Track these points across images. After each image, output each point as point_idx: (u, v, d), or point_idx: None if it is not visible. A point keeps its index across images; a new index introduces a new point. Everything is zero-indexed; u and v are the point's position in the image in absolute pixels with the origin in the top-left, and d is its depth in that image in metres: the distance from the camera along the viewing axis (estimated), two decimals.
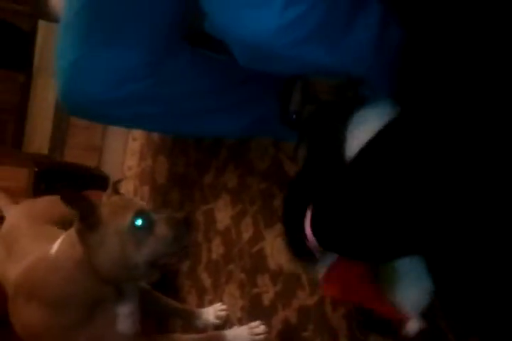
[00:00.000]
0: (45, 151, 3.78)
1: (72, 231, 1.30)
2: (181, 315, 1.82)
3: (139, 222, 1.22)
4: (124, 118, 1.44)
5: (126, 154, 3.00)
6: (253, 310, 1.66)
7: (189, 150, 2.22)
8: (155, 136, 2.54)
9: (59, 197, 1.17)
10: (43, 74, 4.49)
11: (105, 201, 1.29)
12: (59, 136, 3.63)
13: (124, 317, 1.38)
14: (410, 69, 1.02)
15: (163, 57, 1.32)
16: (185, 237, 1.29)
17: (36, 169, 3.26)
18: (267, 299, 1.61)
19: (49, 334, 1.34)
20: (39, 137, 4.05)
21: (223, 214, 1.91)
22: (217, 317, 1.75)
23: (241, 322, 1.70)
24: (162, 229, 1.25)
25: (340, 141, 1.41)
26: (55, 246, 1.33)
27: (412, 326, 1.01)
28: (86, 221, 1.22)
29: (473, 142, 0.84)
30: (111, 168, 3.20)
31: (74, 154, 3.50)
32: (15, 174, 3.41)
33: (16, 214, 1.74)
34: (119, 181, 1.45)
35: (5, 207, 1.86)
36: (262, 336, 1.52)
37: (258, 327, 1.55)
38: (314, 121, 1.39)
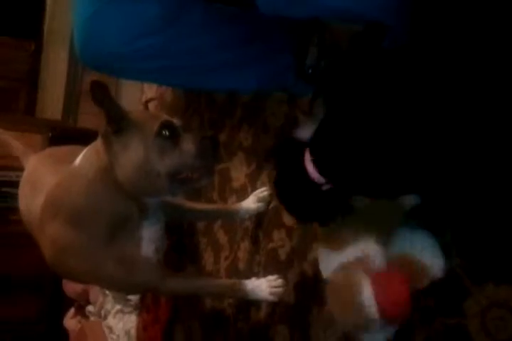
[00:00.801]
0: (59, 117, 3.78)
1: (96, 142, 1.29)
2: (220, 215, 1.85)
3: (166, 132, 1.23)
4: (141, 72, 1.44)
5: None
6: (269, 265, 1.69)
7: (203, 110, 2.22)
8: (168, 96, 2.55)
9: (89, 91, 1.16)
10: (53, 41, 4.47)
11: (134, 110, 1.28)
12: (72, 101, 3.63)
13: (148, 241, 1.39)
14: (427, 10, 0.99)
15: (177, 11, 1.31)
16: (211, 155, 1.28)
17: (50, 134, 3.28)
18: (283, 253, 1.63)
19: (74, 253, 1.35)
20: (52, 104, 4.05)
21: (238, 173, 1.92)
22: (260, 200, 1.74)
23: (258, 276, 1.73)
24: (188, 143, 1.25)
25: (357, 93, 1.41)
26: (79, 157, 1.32)
27: None
28: (113, 124, 1.21)
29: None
30: None
31: (87, 119, 3.51)
32: (29, 140, 3.42)
33: (37, 158, 1.77)
34: (150, 99, 1.45)
35: (24, 155, 1.88)
36: (280, 289, 1.54)
37: (276, 280, 1.56)
38: (331, 73, 1.39)
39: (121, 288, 1.63)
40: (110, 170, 1.25)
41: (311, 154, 1.04)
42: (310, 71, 1.32)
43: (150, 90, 2.89)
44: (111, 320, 2.58)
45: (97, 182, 1.28)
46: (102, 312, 2.65)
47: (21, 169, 1.85)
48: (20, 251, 3.21)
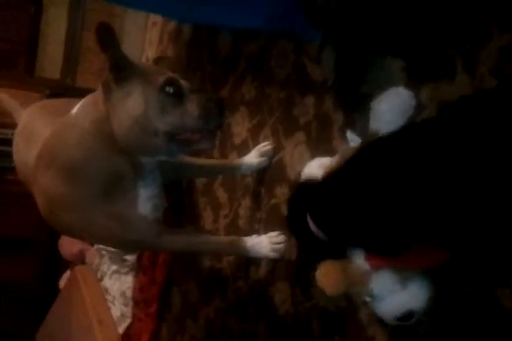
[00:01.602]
0: (57, 77, 3.70)
1: (96, 92, 1.22)
2: (221, 171, 1.77)
3: (170, 89, 1.16)
4: None
5: None
6: (271, 222, 1.63)
7: (205, 64, 2.13)
8: (170, 51, 2.46)
9: (95, 31, 1.08)
10: (53, 3, 4.38)
11: (140, 62, 1.20)
12: (71, 61, 3.55)
13: (145, 199, 1.33)
14: None
15: None
16: (214, 118, 1.21)
17: (48, 92, 3.21)
18: (285, 209, 1.56)
19: (65, 206, 1.29)
20: (51, 63, 3.96)
21: (240, 128, 1.85)
22: (263, 154, 1.66)
23: (259, 234, 1.66)
24: (192, 104, 1.18)
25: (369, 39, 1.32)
26: (77, 107, 1.25)
27: None
28: (116, 71, 1.13)
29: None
30: None
31: (86, 79, 3.43)
32: (27, 98, 3.35)
33: (30, 111, 1.70)
34: (161, 58, 1.38)
35: (16, 111, 1.82)
36: (281, 245, 1.49)
37: (277, 236, 1.51)
38: (342, 13, 1.30)
39: (115, 244, 1.57)
40: (106, 122, 1.18)
41: (309, 213, 1.04)
42: (319, 8, 1.23)
43: (151, 48, 2.80)
44: (107, 281, 2.53)
45: (91, 134, 1.21)
46: (99, 274, 2.61)
47: (16, 126, 1.78)
48: (17, 211, 3.17)
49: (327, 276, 1.06)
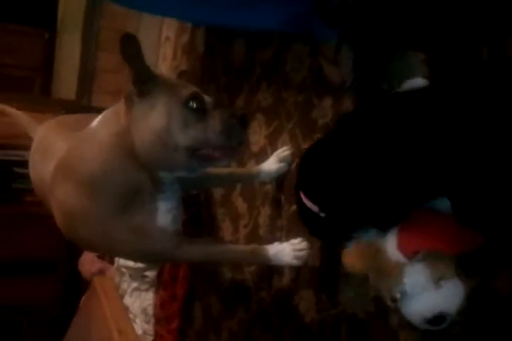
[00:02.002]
0: (73, 97, 3.72)
1: (118, 104, 1.20)
2: (240, 179, 1.74)
3: (193, 104, 1.14)
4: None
5: None
6: (292, 229, 1.59)
7: (219, 74, 2.12)
8: (183, 66, 2.45)
9: (119, 42, 1.08)
10: (67, 27, 4.44)
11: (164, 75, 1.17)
12: (86, 81, 3.57)
13: (164, 212, 1.30)
14: None
15: None
16: (237, 135, 1.18)
17: (64, 113, 3.21)
18: None
19: (83, 219, 1.27)
20: (66, 86, 4.00)
21: (257, 136, 1.82)
22: (282, 160, 1.63)
23: (280, 242, 1.62)
24: (215, 120, 1.15)
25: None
26: (97, 119, 1.23)
27: None
28: (138, 84, 1.11)
29: None
30: None
31: (102, 98, 3.44)
32: (42, 119, 3.38)
33: (46, 126, 1.69)
34: (184, 72, 1.37)
35: (30, 127, 1.81)
36: (304, 252, 1.44)
37: (300, 243, 1.46)
38: (358, 12, 1.28)
39: (135, 257, 1.54)
40: (127, 135, 1.15)
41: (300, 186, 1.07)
42: (336, 7, 1.21)
43: (164, 63, 2.81)
44: (127, 299, 2.49)
45: (111, 148, 1.18)
46: (119, 292, 2.57)
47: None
48: (36, 232, 3.17)
49: (356, 258, 1.02)
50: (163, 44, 2.83)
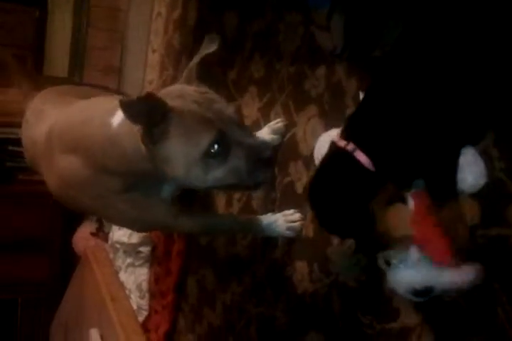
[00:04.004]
0: (65, 75, 3.68)
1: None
2: None
3: (215, 149, 1.04)
4: None
5: (146, 69, 2.90)
6: (286, 201, 1.58)
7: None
8: (175, 41, 2.42)
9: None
10: (58, 5, 4.38)
11: (180, 107, 1.04)
12: (77, 58, 3.54)
13: (167, 188, 1.30)
14: None
15: None
16: (261, 175, 1.10)
17: None
18: (300, 187, 1.52)
19: (83, 190, 1.26)
20: (58, 63, 3.95)
21: (250, 109, 1.80)
22: (275, 132, 1.59)
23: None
24: (237, 160, 1.06)
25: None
26: (118, 119, 1.14)
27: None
28: (152, 130, 1.03)
29: None
30: (131, 86, 3.11)
31: (93, 75, 3.41)
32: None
33: (41, 94, 1.72)
34: (194, 66, 1.20)
35: (26, 98, 1.85)
36: (297, 223, 1.44)
37: (293, 214, 1.47)
38: None
39: (130, 225, 1.53)
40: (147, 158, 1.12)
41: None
42: None
43: (156, 39, 2.78)
44: (122, 275, 2.49)
45: (134, 155, 1.13)
46: (114, 269, 2.57)
47: None
48: (29, 210, 3.15)
49: (395, 216, 1.00)
50: (155, 19, 2.79)
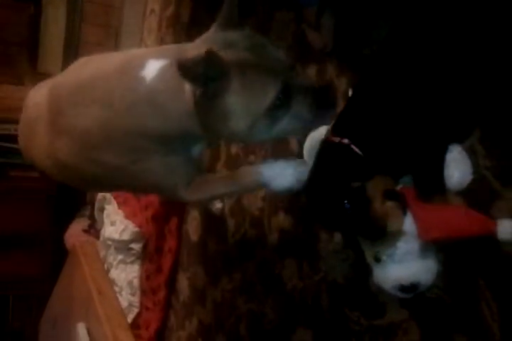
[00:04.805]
0: (58, 71, 3.67)
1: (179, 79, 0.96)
2: None
3: (279, 101, 0.96)
4: None
5: None
6: (275, 198, 1.58)
7: None
8: (168, 37, 2.43)
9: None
10: (52, 3, 4.37)
11: (235, 58, 0.94)
12: (71, 54, 3.53)
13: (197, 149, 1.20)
14: None
15: None
16: (325, 117, 1.03)
17: None
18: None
19: (114, 145, 1.12)
20: (52, 59, 3.95)
21: None
22: None
23: (262, 211, 1.63)
24: (301, 107, 0.99)
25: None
26: (151, 72, 1.02)
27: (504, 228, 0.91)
28: (209, 86, 0.94)
29: None
30: None
31: None
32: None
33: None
34: (228, 8, 1.10)
35: None
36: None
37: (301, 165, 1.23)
38: None
39: (145, 189, 1.43)
40: (192, 117, 1.02)
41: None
42: None
43: (150, 36, 2.78)
44: (113, 272, 2.50)
45: (172, 116, 1.04)
46: (105, 266, 2.57)
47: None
48: (21, 207, 3.15)
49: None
50: (149, 16, 2.79)
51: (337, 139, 0.99)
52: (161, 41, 2.58)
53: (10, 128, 3.07)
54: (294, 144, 1.51)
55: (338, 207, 0.98)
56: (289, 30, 1.57)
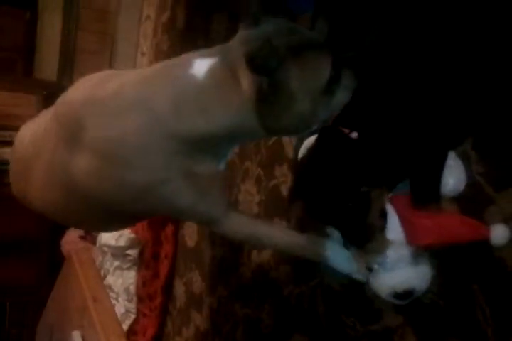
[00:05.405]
0: (55, 78, 3.68)
1: (230, 64, 0.95)
2: None
3: (333, 75, 0.97)
4: None
5: None
6: (271, 203, 1.59)
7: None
8: (164, 43, 2.43)
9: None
10: (48, 7, 4.38)
11: (285, 44, 0.94)
12: (67, 61, 3.54)
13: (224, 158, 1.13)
14: None
15: None
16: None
17: (44, 93, 3.19)
18: (285, 190, 1.53)
19: (140, 161, 1.02)
20: (48, 66, 3.95)
21: None
22: None
23: (257, 216, 1.63)
24: (349, 78, 1.01)
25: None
26: (197, 69, 0.97)
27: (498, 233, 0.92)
28: (275, 75, 0.92)
29: None
30: None
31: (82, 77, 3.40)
32: (24, 100, 3.36)
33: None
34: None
35: None
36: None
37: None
38: None
39: (180, 210, 1.19)
40: (249, 110, 0.97)
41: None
42: None
43: (145, 42, 2.79)
44: (110, 278, 2.50)
45: (224, 110, 0.98)
46: (102, 272, 2.57)
47: (16, 129, 1.72)
48: (16, 214, 3.14)
49: None
50: (144, 22, 2.80)
51: (347, 131, 0.98)
52: (157, 47, 2.59)
53: (5, 135, 3.08)
54: (289, 150, 1.52)
55: (340, 205, 0.98)
56: None
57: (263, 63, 0.89)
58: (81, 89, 1.14)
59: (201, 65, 0.97)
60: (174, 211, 1.17)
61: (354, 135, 0.97)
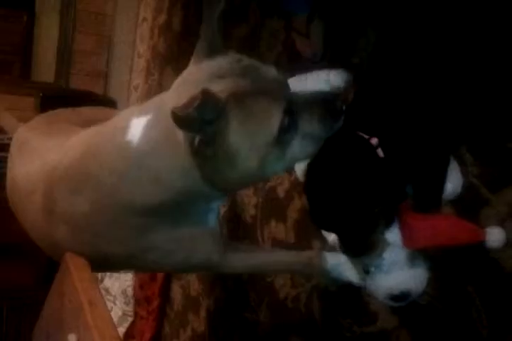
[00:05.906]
0: (52, 80, 3.68)
1: (164, 120, 0.88)
2: None
3: (285, 125, 0.85)
4: None
5: (132, 74, 2.91)
6: (268, 205, 1.59)
7: None
8: (161, 45, 2.43)
9: None
10: (45, 9, 4.39)
11: (229, 89, 0.83)
12: (64, 63, 3.53)
13: (214, 211, 1.08)
14: None
15: None
16: (335, 125, 0.90)
17: (41, 95, 3.18)
18: (281, 191, 1.53)
19: (113, 234, 1.03)
20: (45, 68, 3.96)
21: None
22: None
23: (254, 218, 1.63)
24: (309, 125, 0.88)
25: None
26: (135, 135, 0.93)
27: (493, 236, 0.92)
28: (207, 130, 0.83)
29: None
30: (117, 91, 3.12)
31: (79, 80, 3.41)
32: (22, 103, 3.35)
33: (27, 127, 1.47)
34: (210, 34, 0.98)
35: (10, 126, 1.74)
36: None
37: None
38: None
39: (173, 269, 1.32)
40: (192, 169, 0.90)
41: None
42: None
43: (142, 44, 2.79)
44: (107, 281, 2.50)
45: (166, 176, 0.93)
46: (99, 275, 2.57)
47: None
48: (13, 216, 3.14)
49: None
50: (140, 25, 2.80)
51: (366, 136, 0.92)
52: (153, 49, 2.59)
53: (3, 138, 3.07)
54: None
55: (349, 221, 0.95)
56: (279, 38, 1.58)
57: (187, 123, 0.79)
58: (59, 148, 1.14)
59: (137, 127, 0.93)
60: (168, 270, 1.25)
61: (374, 141, 0.91)
